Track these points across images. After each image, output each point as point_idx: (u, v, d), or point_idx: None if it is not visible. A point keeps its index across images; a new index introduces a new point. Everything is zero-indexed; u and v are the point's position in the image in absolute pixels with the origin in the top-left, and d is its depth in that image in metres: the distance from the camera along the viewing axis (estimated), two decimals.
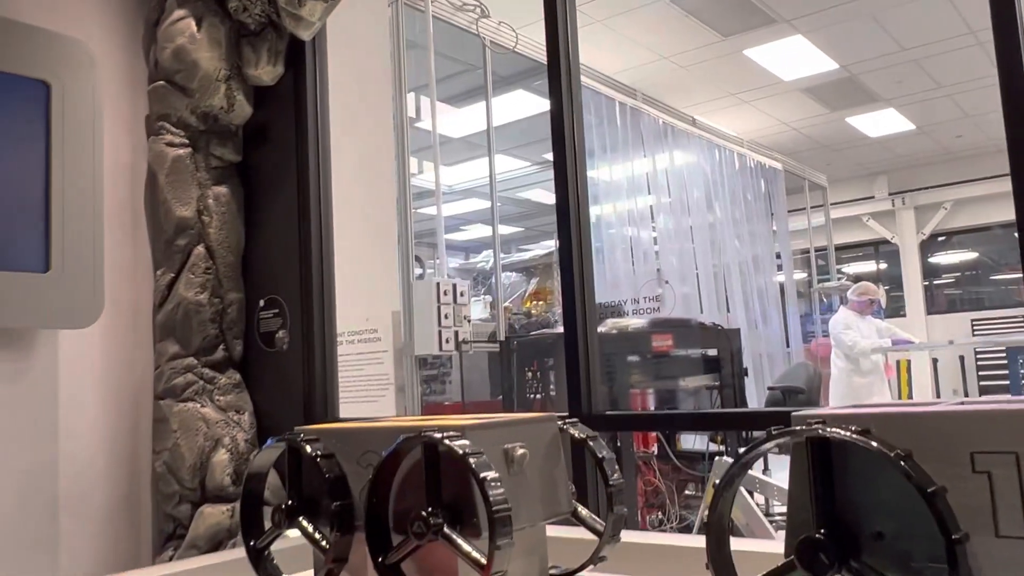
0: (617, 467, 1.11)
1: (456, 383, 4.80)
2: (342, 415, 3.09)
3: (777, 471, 4.59)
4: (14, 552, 2.60)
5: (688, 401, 4.09)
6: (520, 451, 1.04)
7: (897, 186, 11.57)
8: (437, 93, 4.62)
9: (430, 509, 0.96)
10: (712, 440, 4.13)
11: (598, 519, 1.14)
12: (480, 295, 6.91)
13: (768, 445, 0.76)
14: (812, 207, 9.23)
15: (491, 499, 0.90)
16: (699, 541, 1.32)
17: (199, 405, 3.03)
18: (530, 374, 4.22)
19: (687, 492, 4.19)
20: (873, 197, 11.67)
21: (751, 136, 8.67)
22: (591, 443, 1.12)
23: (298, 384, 3.04)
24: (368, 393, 3.42)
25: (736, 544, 0.83)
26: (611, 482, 1.08)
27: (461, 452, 0.94)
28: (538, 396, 4.16)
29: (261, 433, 3.08)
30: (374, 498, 1.01)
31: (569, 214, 2.57)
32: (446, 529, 0.96)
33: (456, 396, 4.82)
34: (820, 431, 0.72)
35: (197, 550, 2.87)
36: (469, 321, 4.44)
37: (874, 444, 0.70)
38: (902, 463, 0.68)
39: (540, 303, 6.46)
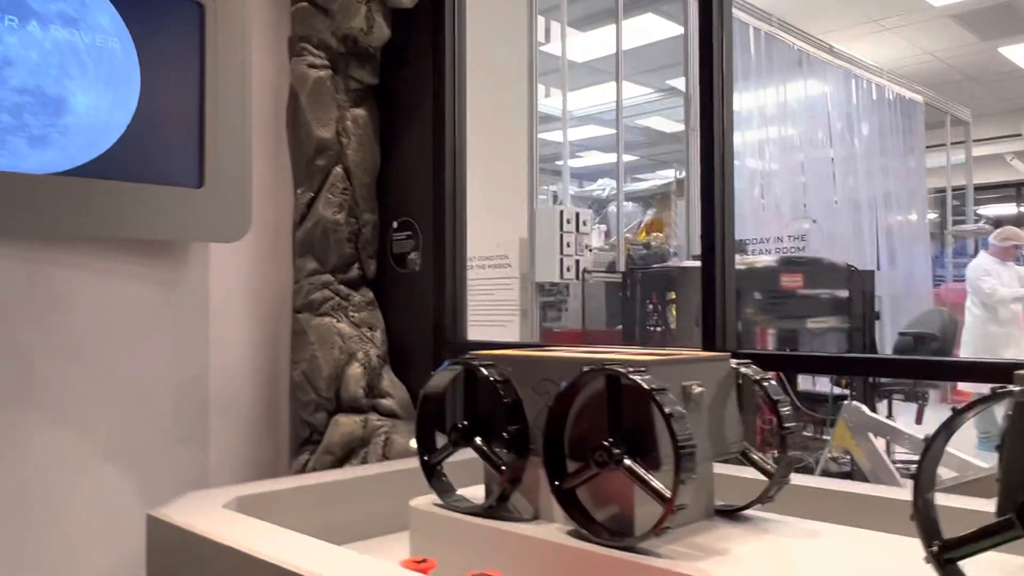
0: (791, 410, 1.10)
1: (573, 311, 4.82)
2: (470, 338, 3.16)
3: (900, 415, 4.46)
4: (171, 447, 2.82)
5: (814, 343, 3.98)
6: (698, 388, 1.05)
7: None
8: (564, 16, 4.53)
9: (612, 440, 0.98)
10: (836, 384, 4.03)
11: (768, 460, 1.14)
12: (596, 223, 6.86)
13: (983, 405, 0.74)
14: (952, 143, 8.64)
15: (677, 435, 0.92)
16: (872, 489, 1.31)
17: (335, 320, 3.16)
18: (651, 306, 4.20)
19: (805, 433, 4.12)
20: (1020, 135, 10.83)
21: (891, 66, 8.12)
22: (765, 384, 1.12)
23: (428, 305, 3.13)
24: (496, 317, 3.49)
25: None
26: (785, 424, 1.08)
27: (647, 387, 0.95)
28: (659, 328, 4.14)
29: (392, 350, 3.20)
30: (553, 424, 1.04)
31: (713, 143, 2.49)
32: (627, 460, 0.98)
33: (571, 324, 4.86)
34: None
35: (331, 455, 3.04)
36: (591, 250, 4.43)
37: None
38: None
39: (657, 234, 6.36)
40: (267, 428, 3.21)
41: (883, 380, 4.00)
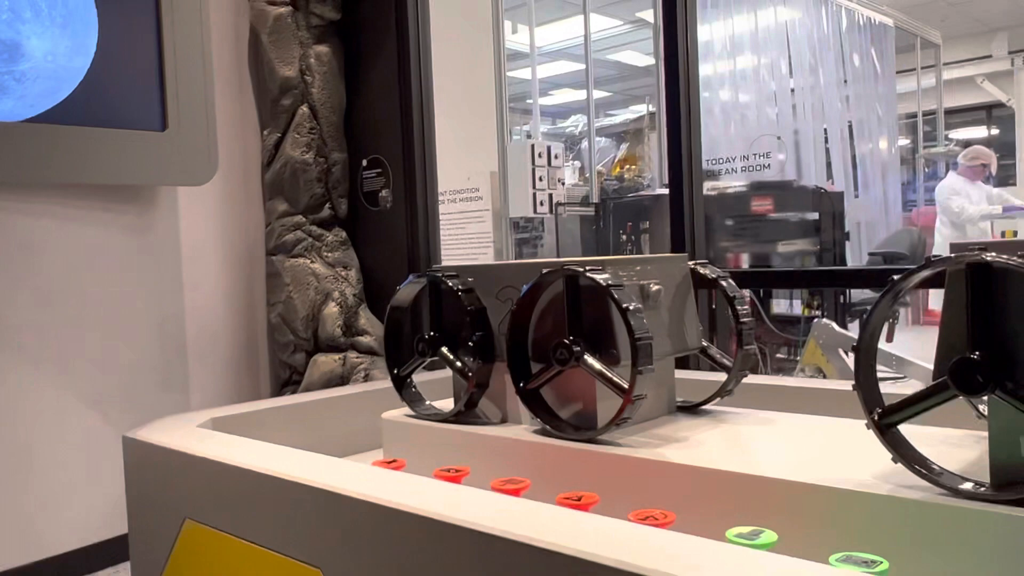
0: (748, 306, 1.13)
1: (548, 246, 4.84)
2: None
3: None
4: (153, 391, 2.85)
5: (786, 265, 4.03)
6: (655, 287, 1.07)
7: (1018, 44, 10.68)
8: None
9: (572, 337, 1.01)
10: (807, 305, 4.10)
11: (727, 356, 1.18)
12: (569, 160, 6.84)
13: (924, 272, 0.77)
14: (923, 67, 8.63)
15: (633, 328, 0.94)
16: (827, 383, 1.35)
17: (309, 261, 3.17)
18: (625, 236, 4.22)
19: (779, 356, 4.21)
20: (990, 56, 10.84)
21: None
22: (722, 282, 1.14)
23: (402, 241, 3.14)
24: (470, 251, 3.50)
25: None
26: (742, 319, 1.11)
27: (604, 284, 0.97)
28: None
29: (368, 288, 3.22)
30: (516, 328, 1.06)
31: (679, 71, 2.50)
32: (587, 356, 1.01)
33: (546, 258, 4.88)
34: (983, 257, 0.72)
35: None
36: (563, 184, 4.43)
37: None
38: None
39: (631, 168, 6.36)
40: (246, 371, 3.24)
41: (854, 299, 4.08)
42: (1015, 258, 0.70)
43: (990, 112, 11.56)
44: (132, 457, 1.16)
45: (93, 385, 2.68)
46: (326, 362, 3.11)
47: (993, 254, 0.72)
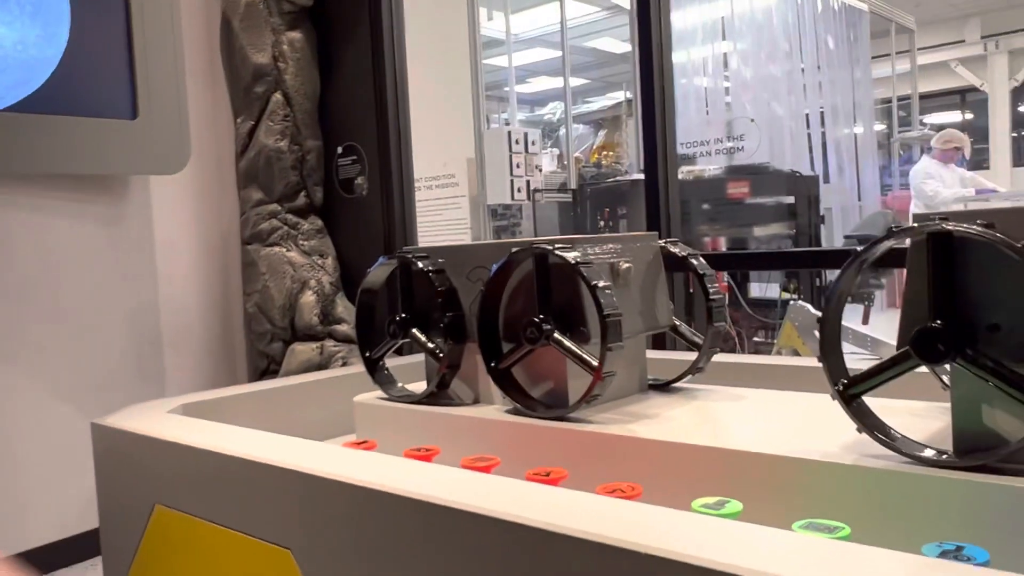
0: (716, 284, 1.13)
1: (526, 233, 4.83)
2: None
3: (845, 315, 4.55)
4: (128, 384, 2.82)
5: (762, 248, 4.06)
6: (625, 265, 1.07)
7: (991, 29, 10.78)
8: None
9: (542, 316, 1.01)
10: (784, 289, 4.13)
11: (697, 333, 1.18)
12: (547, 148, 6.83)
13: (888, 242, 0.77)
14: (897, 52, 8.68)
15: (603, 305, 0.94)
16: (797, 360, 1.36)
17: (285, 249, 3.15)
18: (602, 222, 4.23)
19: (756, 339, 4.24)
20: (963, 41, 10.93)
21: None
22: (692, 260, 1.15)
23: (378, 229, 3.12)
24: (447, 238, 3.49)
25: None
26: (712, 297, 1.11)
27: (573, 262, 0.97)
28: None
29: (345, 276, 3.20)
30: (486, 308, 1.06)
31: (652, 57, 2.50)
32: (557, 334, 1.01)
33: None
34: (944, 226, 0.73)
35: None
36: (540, 171, 4.42)
37: (998, 236, 0.70)
38: None
39: (609, 154, 6.37)
40: (224, 361, 3.22)
41: (829, 282, 4.11)
42: (975, 227, 0.71)
43: (964, 96, 11.66)
44: (101, 443, 1.15)
45: (67, 378, 2.65)
46: (304, 351, 3.09)
47: (954, 223, 0.72)
